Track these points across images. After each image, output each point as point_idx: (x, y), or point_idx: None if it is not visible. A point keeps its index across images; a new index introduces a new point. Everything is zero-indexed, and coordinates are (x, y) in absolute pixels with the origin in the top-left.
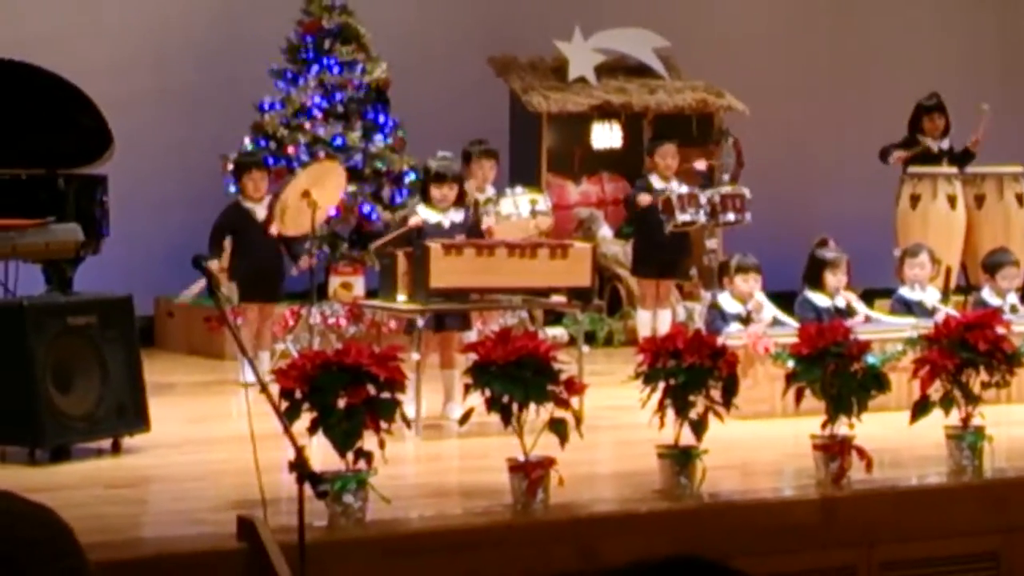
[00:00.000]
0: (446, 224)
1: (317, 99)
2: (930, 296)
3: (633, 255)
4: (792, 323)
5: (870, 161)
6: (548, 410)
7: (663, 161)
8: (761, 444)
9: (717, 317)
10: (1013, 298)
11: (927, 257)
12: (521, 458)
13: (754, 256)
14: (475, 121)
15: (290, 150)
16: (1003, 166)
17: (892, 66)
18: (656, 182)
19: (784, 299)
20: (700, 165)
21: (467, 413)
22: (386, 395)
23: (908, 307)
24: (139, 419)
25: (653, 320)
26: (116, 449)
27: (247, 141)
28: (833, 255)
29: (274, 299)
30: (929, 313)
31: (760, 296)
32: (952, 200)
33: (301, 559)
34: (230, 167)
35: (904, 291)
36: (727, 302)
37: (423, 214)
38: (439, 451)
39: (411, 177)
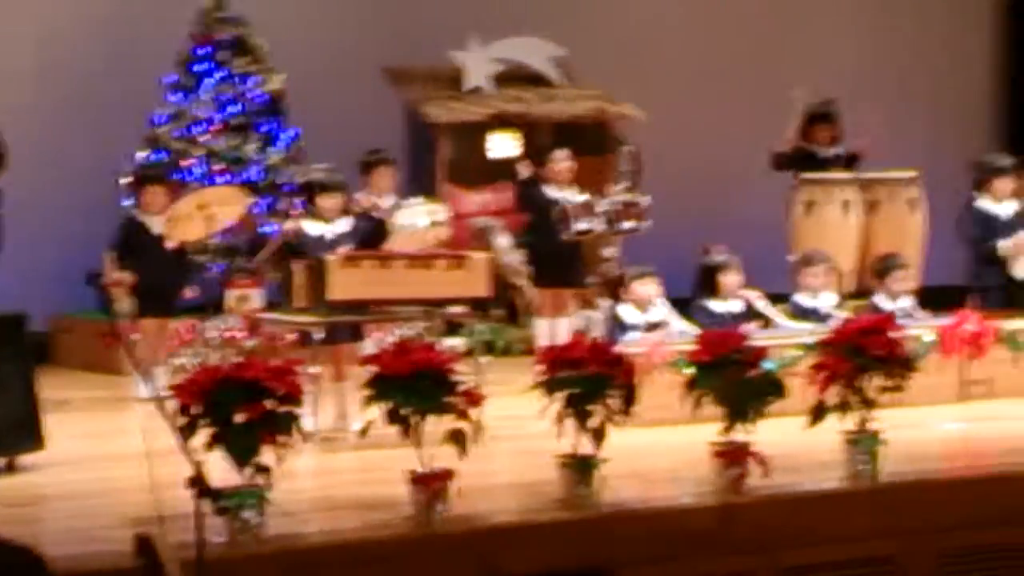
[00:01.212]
0: (331, 235)
1: (212, 111)
2: (826, 302)
3: (534, 264)
4: (691, 328)
5: (767, 166)
6: (447, 421)
7: (557, 167)
8: (661, 451)
9: (618, 328)
10: (906, 301)
11: (825, 267)
12: (420, 470)
13: (651, 264)
14: (372, 132)
15: (185, 163)
16: (897, 171)
17: (789, 70)
18: (552, 191)
19: (685, 305)
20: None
21: (367, 425)
22: (284, 409)
23: (804, 313)
24: (34, 437)
25: (551, 329)
26: (11, 468)
27: (141, 154)
28: (720, 258)
29: (171, 313)
30: (824, 320)
31: (662, 303)
32: (846, 206)
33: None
34: (127, 180)
35: (800, 297)
36: (627, 312)
37: (308, 226)
38: (337, 464)
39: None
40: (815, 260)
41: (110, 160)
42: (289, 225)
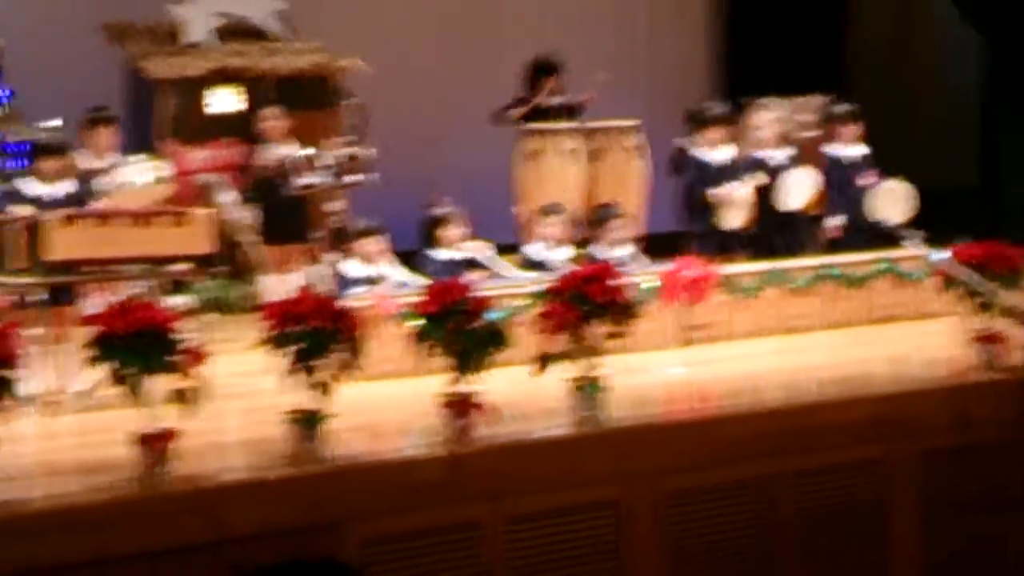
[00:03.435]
0: (55, 195)
1: None
2: (562, 255)
3: (258, 220)
4: (415, 282)
5: (489, 122)
6: (175, 380)
7: (267, 125)
8: (389, 404)
9: (345, 282)
10: (625, 249)
11: (562, 218)
12: (145, 430)
13: (379, 218)
14: (93, 89)
15: None
16: (619, 120)
17: (510, 22)
18: (271, 147)
19: (412, 258)
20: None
21: (92, 386)
22: (2, 373)
23: (534, 265)
24: None
25: (278, 285)
26: None
27: None
28: (442, 211)
29: None
30: (557, 270)
31: (387, 264)
32: (570, 155)
33: None
34: None
35: (533, 248)
36: (353, 266)
37: (30, 187)
38: (60, 428)
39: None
40: (552, 211)
41: None
42: None
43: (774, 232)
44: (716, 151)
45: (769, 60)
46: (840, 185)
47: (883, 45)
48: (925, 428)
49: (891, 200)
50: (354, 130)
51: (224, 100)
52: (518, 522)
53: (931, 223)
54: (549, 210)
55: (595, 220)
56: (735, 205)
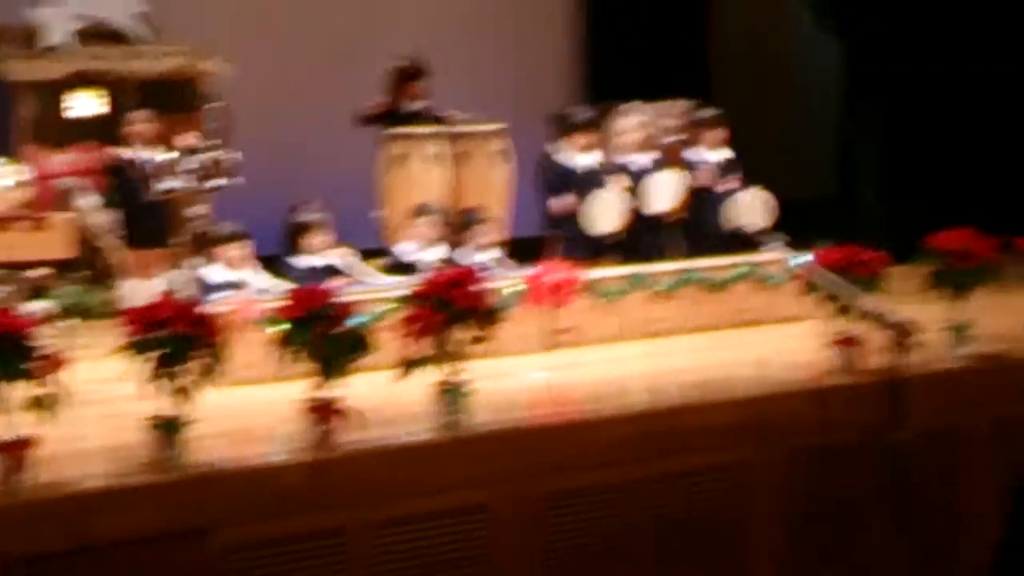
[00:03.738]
0: None
1: None
2: (433, 255)
3: (119, 225)
4: (279, 287)
5: (353, 125)
6: (34, 387)
7: (135, 128)
8: (252, 410)
9: (208, 287)
10: (491, 253)
11: (434, 219)
12: (2, 438)
13: (242, 222)
14: None
15: None
16: (483, 124)
17: (375, 26)
18: (135, 151)
19: (276, 262)
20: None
21: None
22: None
23: (402, 268)
24: None
25: (139, 290)
26: None
27: None
28: (307, 217)
29: None
30: (428, 271)
31: (250, 269)
32: (434, 159)
33: None
34: None
35: (404, 247)
36: (217, 271)
37: None
38: None
39: None
40: (424, 211)
41: None
42: None
43: (641, 236)
44: (581, 156)
45: (632, 64)
46: (702, 190)
47: (745, 50)
48: (787, 431)
49: (752, 206)
50: (217, 134)
51: (85, 104)
52: (384, 528)
53: (792, 230)
54: (421, 210)
55: (460, 224)
56: (603, 210)
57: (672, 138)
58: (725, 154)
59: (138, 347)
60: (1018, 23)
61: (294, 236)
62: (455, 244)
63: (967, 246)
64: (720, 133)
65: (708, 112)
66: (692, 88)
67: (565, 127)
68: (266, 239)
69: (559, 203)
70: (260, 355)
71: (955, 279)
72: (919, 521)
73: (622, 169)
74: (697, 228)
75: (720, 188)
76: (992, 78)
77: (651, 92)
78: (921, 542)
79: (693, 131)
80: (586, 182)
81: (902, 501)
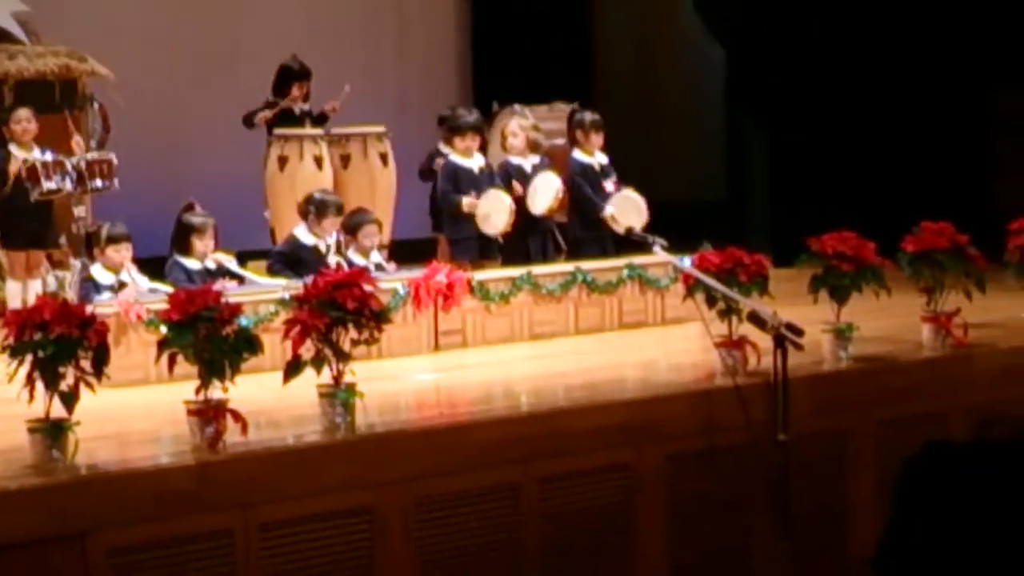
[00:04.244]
0: None
1: None
2: (375, 259)
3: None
4: (165, 289)
5: (241, 124)
6: None
7: (18, 127)
8: (136, 413)
9: (91, 289)
10: (377, 256)
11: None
12: None
13: (123, 224)
14: None
15: None
16: (367, 126)
17: (264, 30)
18: (16, 151)
19: (156, 264)
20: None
21: None
22: None
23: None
24: None
25: (23, 292)
26: None
27: None
28: (199, 220)
29: None
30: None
31: (134, 271)
32: (319, 161)
33: None
34: None
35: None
36: (99, 273)
37: None
38: None
39: None
40: (367, 220)
41: None
42: None
43: (527, 237)
44: (468, 158)
45: (516, 66)
46: (585, 192)
47: (630, 52)
48: (672, 432)
49: (630, 207)
50: (98, 134)
51: None
52: (270, 530)
53: (682, 234)
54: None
55: (348, 226)
56: (494, 211)
57: (555, 141)
58: (604, 157)
59: (18, 349)
60: (899, 30)
61: (180, 238)
62: (342, 245)
63: (847, 249)
64: (599, 137)
65: (590, 115)
66: (575, 91)
67: (453, 128)
68: (148, 241)
69: (470, 203)
70: (144, 357)
71: (836, 281)
72: (805, 521)
73: (509, 170)
74: (577, 230)
75: (604, 189)
76: (875, 82)
77: (535, 95)
78: (807, 541)
79: (575, 134)
80: (473, 183)
81: (787, 502)
